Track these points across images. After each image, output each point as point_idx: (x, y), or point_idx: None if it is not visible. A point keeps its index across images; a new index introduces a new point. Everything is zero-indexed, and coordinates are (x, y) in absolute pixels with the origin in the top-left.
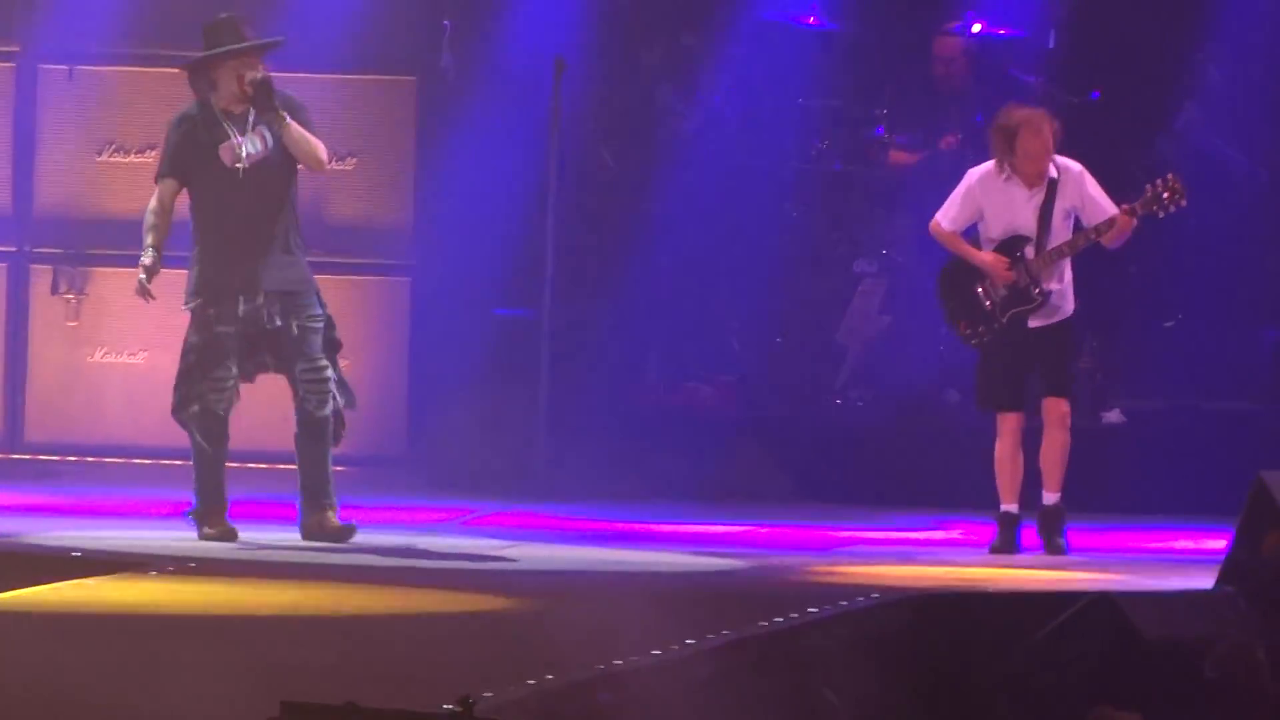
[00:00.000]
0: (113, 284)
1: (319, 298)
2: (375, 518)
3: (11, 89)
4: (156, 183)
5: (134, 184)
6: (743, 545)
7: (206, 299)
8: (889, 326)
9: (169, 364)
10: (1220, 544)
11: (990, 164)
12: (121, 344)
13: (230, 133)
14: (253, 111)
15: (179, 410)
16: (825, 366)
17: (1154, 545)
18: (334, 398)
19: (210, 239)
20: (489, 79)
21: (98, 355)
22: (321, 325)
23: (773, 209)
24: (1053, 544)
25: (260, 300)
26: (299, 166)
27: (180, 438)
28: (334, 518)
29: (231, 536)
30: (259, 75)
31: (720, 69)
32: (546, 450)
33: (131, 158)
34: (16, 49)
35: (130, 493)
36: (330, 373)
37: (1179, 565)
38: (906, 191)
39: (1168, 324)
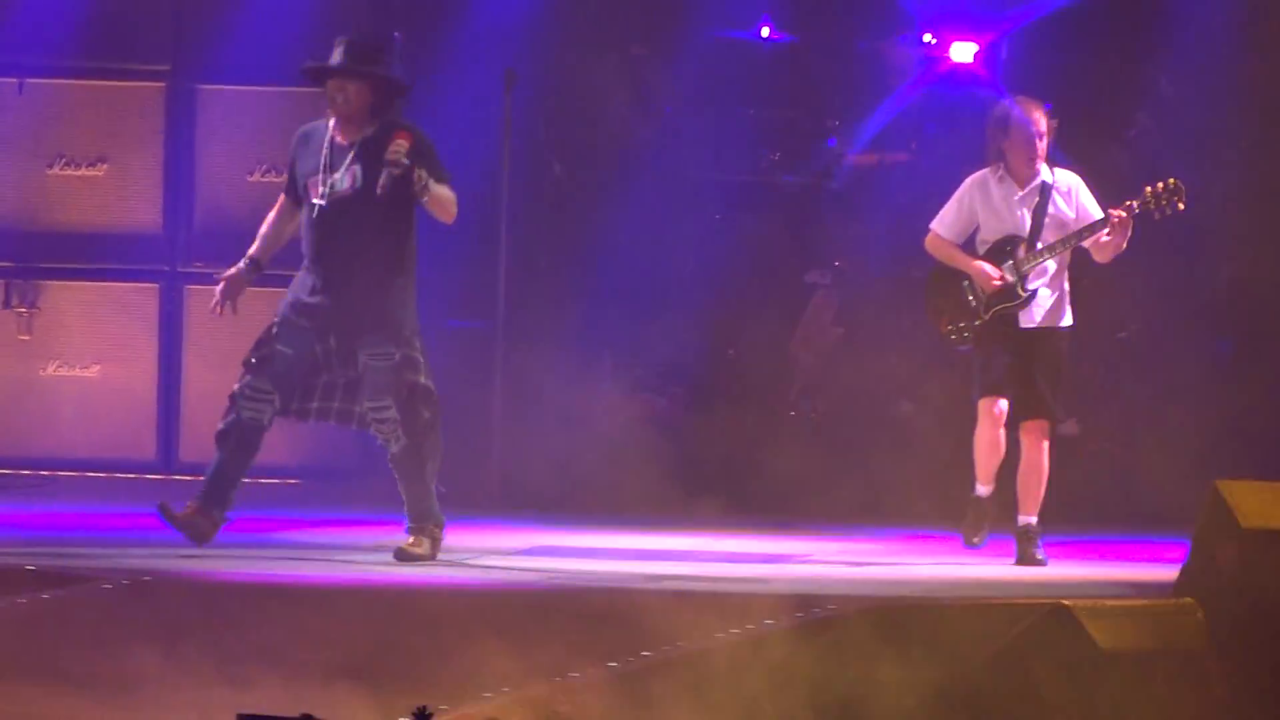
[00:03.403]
0: (65, 297)
1: (399, 336)
2: (324, 530)
3: None
4: None
5: (84, 197)
6: (698, 558)
7: (283, 320)
8: (842, 338)
9: (122, 377)
10: (1176, 555)
11: (984, 170)
12: (74, 357)
13: (324, 165)
14: (357, 146)
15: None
16: (779, 379)
17: (1111, 556)
18: (404, 434)
19: (305, 266)
20: (440, 91)
21: (50, 369)
22: (391, 363)
23: (725, 221)
24: (1029, 556)
25: (331, 343)
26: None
27: (132, 451)
28: (422, 540)
29: (192, 528)
30: (411, 133)
31: (672, 80)
32: (500, 462)
33: (82, 170)
34: None
35: (83, 506)
36: (391, 414)
37: (1136, 576)
38: (859, 203)
39: (1121, 335)
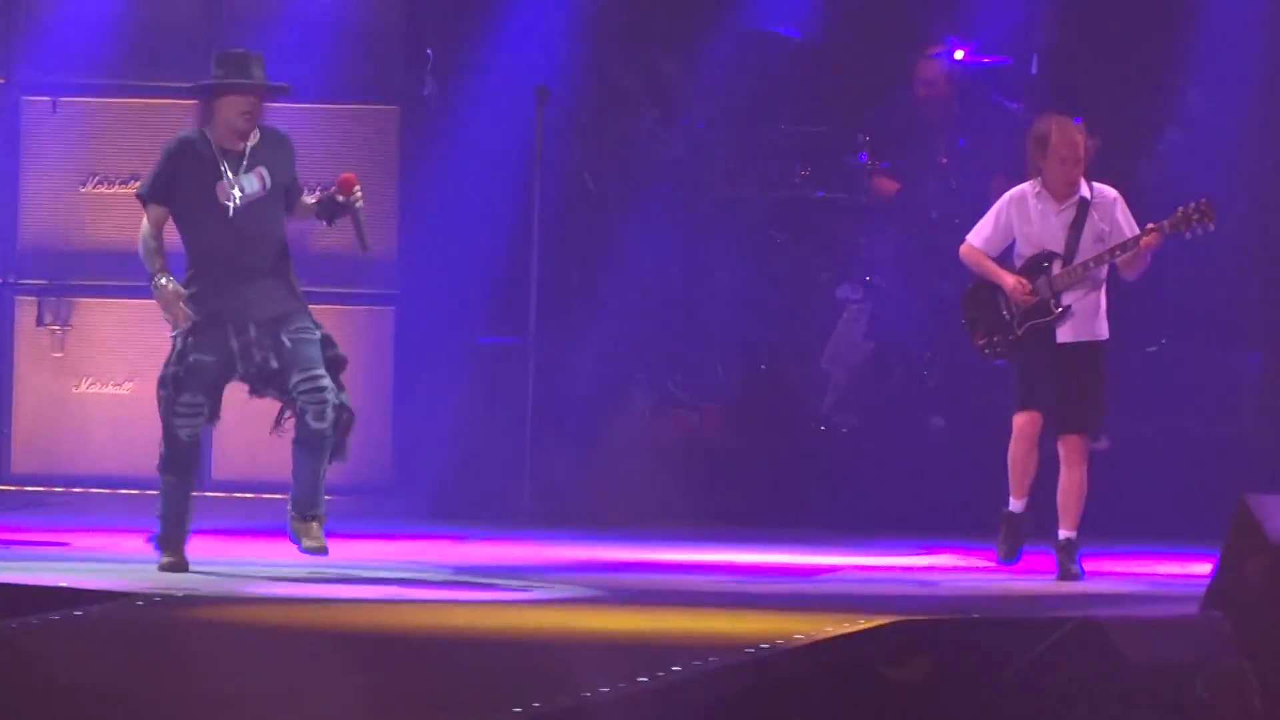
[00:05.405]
0: (98, 315)
1: (312, 319)
2: (360, 545)
3: None
4: (144, 204)
5: (118, 215)
6: (727, 573)
7: (193, 329)
8: (873, 353)
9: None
10: (1205, 568)
11: (1024, 185)
12: (107, 374)
13: (224, 171)
14: (249, 151)
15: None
16: (810, 393)
17: (1138, 570)
18: (332, 410)
19: (202, 271)
20: (472, 107)
21: (83, 386)
22: (316, 338)
23: (756, 236)
24: (1068, 571)
25: (251, 334)
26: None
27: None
28: (318, 530)
29: (182, 567)
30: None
31: (702, 95)
32: (531, 478)
33: (115, 189)
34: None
35: (116, 523)
36: (327, 383)
37: (1163, 590)
38: (890, 217)
39: (1151, 349)
